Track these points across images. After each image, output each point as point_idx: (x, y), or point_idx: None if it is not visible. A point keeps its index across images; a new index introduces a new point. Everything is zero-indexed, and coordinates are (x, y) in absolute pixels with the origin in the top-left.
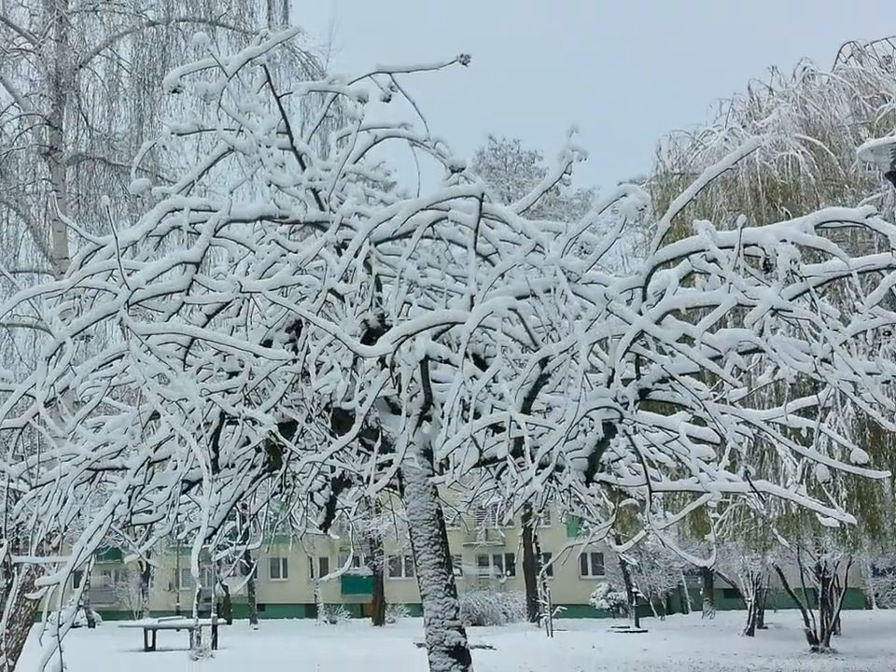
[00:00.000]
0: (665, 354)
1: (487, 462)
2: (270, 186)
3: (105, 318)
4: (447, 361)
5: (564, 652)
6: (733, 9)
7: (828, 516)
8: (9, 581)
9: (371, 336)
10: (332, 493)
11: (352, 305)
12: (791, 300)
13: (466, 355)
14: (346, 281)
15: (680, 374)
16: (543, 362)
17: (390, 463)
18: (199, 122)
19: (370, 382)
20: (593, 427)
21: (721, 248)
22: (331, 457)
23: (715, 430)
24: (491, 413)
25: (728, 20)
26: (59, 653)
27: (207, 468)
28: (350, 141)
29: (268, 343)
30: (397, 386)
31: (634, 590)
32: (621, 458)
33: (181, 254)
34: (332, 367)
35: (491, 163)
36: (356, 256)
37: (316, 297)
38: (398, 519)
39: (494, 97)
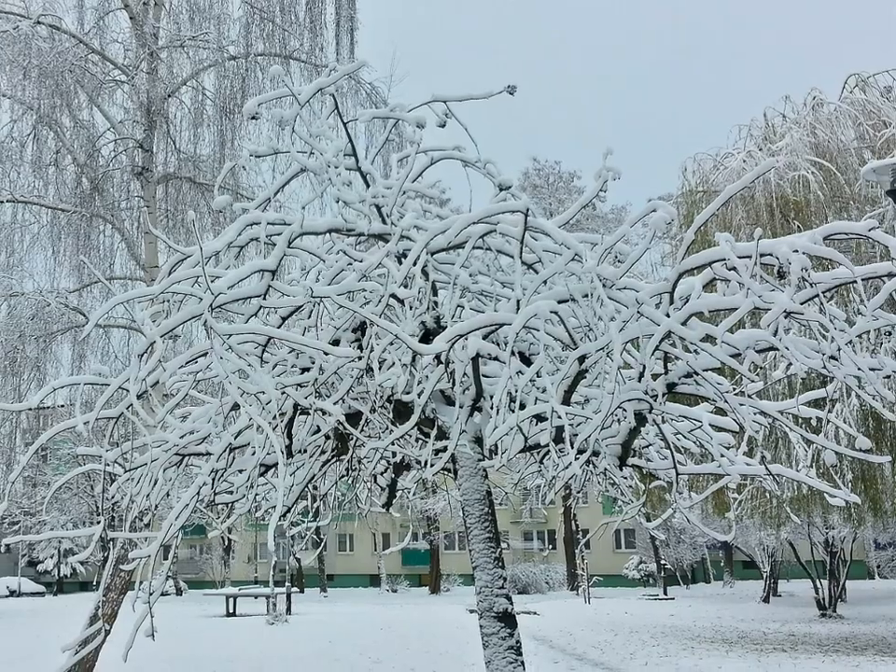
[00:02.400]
0: (690, 352)
1: (531, 448)
2: (338, 202)
3: (190, 320)
4: (495, 358)
5: (600, 618)
6: (750, 37)
7: (835, 496)
8: (106, 555)
9: (428, 336)
10: (394, 475)
11: (411, 308)
12: (802, 303)
13: (512, 352)
14: (406, 287)
15: (704, 370)
16: (581, 359)
17: (445, 449)
18: (274, 146)
19: (427, 377)
20: (626, 417)
21: (740, 258)
22: (393, 444)
23: (734, 420)
24: (535, 404)
25: (746, 47)
26: (150, 619)
27: (282, 453)
28: (409, 162)
29: (336, 343)
30: (451, 381)
31: (662, 562)
32: (650, 445)
33: (259, 263)
34: (393, 363)
35: (535, 182)
36: (414, 264)
37: (379, 301)
38: (452, 499)
39: (537, 119)
